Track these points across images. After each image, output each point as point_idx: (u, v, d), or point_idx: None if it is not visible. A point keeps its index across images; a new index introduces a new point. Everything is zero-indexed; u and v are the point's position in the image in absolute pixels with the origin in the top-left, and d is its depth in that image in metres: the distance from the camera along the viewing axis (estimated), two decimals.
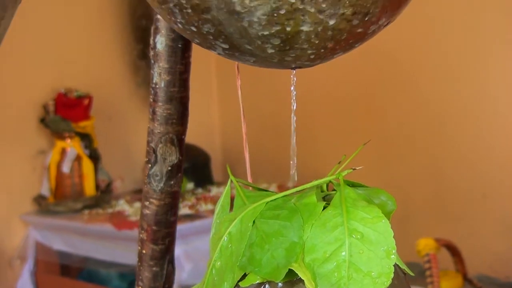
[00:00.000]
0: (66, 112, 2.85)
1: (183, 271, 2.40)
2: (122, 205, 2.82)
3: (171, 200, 0.65)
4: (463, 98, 2.60)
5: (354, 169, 0.46)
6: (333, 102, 3.01)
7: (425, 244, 1.84)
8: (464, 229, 2.61)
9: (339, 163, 0.49)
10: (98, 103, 3.03)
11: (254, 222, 0.44)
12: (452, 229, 2.62)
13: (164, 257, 0.66)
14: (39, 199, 2.86)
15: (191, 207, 2.66)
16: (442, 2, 2.62)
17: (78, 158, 2.85)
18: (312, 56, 0.45)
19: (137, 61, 3.31)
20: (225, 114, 3.46)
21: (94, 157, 2.92)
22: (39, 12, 2.80)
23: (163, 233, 0.66)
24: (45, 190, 2.87)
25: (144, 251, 0.66)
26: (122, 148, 3.23)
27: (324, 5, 0.42)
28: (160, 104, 0.63)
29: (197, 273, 2.43)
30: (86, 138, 2.88)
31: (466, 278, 1.98)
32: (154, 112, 0.63)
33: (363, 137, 2.86)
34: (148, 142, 0.65)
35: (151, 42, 0.62)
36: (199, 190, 3.02)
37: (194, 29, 0.45)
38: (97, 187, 2.92)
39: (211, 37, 0.45)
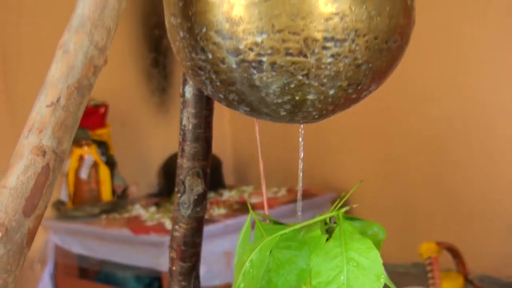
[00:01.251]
0: (83, 121, 2.93)
1: None
2: (138, 210, 2.93)
3: (197, 224, 0.76)
4: (466, 105, 2.70)
5: (351, 206, 0.57)
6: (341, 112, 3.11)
7: (427, 248, 1.94)
8: (467, 230, 2.71)
9: (340, 198, 0.60)
10: (114, 110, 3.15)
11: (271, 251, 0.55)
12: (456, 231, 2.71)
13: (191, 273, 0.77)
14: (58, 205, 2.98)
15: None
16: (446, 21, 2.71)
17: (95, 165, 2.97)
18: (316, 116, 0.56)
19: (150, 69, 3.42)
20: (236, 119, 3.57)
21: (111, 164, 3.03)
22: (54, 23, 2.91)
23: (190, 253, 0.77)
24: (64, 196, 2.98)
25: (174, 268, 0.77)
26: (136, 154, 3.34)
27: (325, 80, 0.52)
28: (188, 143, 0.74)
29: (211, 275, 2.53)
30: (102, 146, 3.00)
31: (467, 279, 2.08)
32: (183, 150, 0.74)
33: (369, 143, 2.96)
34: (178, 175, 0.75)
35: (181, 91, 0.73)
36: (211, 194, 3.12)
37: (221, 96, 0.56)
38: (114, 192, 3.04)
39: (236, 103, 0.56)
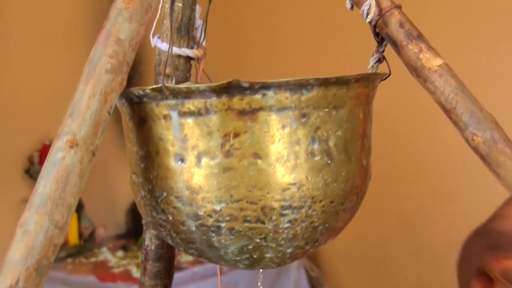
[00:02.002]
0: None
1: None
2: (105, 254, 2.91)
3: None
4: (436, 153, 2.74)
5: None
6: None
7: None
8: (436, 279, 2.74)
9: None
10: None
11: None
12: (425, 280, 2.75)
13: None
14: None
15: None
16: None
17: None
18: (274, 267, 0.58)
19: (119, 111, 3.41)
20: None
21: (78, 206, 3.00)
22: (25, 64, 2.90)
23: None
24: None
25: None
26: (104, 194, 3.32)
27: (282, 242, 0.54)
28: (150, 262, 0.74)
29: None
30: None
31: None
32: (145, 269, 0.75)
33: None
34: None
35: None
36: None
37: (182, 249, 0.57)
38: (80, 234, 3.02)
39: (195, 255, 0.57)
